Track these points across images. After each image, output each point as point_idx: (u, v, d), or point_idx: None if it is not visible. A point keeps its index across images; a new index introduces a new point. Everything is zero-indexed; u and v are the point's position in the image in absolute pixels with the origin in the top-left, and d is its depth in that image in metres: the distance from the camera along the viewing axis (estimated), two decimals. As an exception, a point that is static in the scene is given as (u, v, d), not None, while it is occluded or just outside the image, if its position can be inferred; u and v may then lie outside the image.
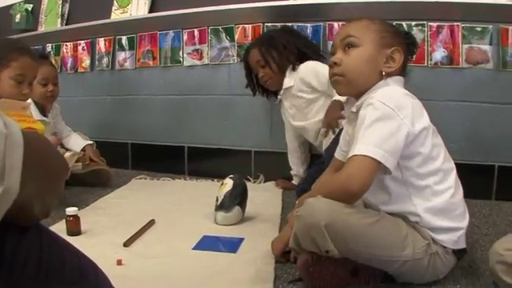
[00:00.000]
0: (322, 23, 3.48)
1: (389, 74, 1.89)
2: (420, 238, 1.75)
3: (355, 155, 1.70)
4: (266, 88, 3.48)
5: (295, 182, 3.57)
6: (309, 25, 3.51)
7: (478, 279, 1.83)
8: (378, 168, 1.69)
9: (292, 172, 3.59)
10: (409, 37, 2.02)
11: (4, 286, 0.85)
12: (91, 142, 3.73)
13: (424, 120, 1.79)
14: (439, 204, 1.77)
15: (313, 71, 3.17)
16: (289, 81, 3.29)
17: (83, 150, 3.60)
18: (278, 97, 3.43)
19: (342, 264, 1.75)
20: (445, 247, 1.77)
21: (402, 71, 1.96)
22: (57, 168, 0.93)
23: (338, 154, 2.18)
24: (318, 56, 3.31)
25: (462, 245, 1.84)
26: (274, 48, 3.28)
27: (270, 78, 3.32)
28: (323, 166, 2.47)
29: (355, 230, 1.68)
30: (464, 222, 1.84)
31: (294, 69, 3.28)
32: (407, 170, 1.77)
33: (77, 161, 3.33)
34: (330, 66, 1.97)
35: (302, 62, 3.26)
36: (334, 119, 2.88)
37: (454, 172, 1.86)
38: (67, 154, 3.19)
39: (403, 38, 1.98)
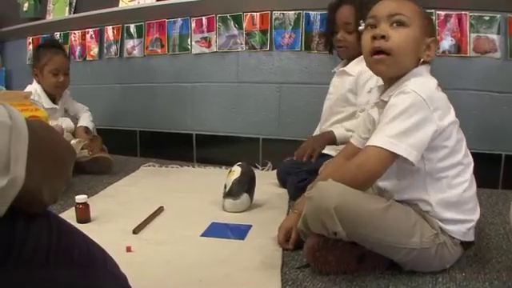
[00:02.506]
0: (331, 12, 3.44)
1: (426, 63, 1.86)
2: (428, 227, 1.75)
3: (373, 146, 1.70)
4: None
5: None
6: (318, 13, 3.49)
7: (483, 268, 1.84)
8: (393, 161, 1.70)
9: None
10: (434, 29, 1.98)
11: (15, 271, 0.87)
12: (85, 125, 3.73)
13: (451, 114, 1.78)
14: (453, 197, 1.77)
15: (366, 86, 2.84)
16: (354, 68, 2.99)
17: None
18: (334, 69, 3.19)
19: (348, 250, 1.76)
20: (453, 238, 1.77)
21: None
22: (63, 154, 0.96)
23: (354, 140, 2.17)
24: None
25: (471, 237, 1.84)
26: None
27: (347, 47, 3.01)
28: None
29: (364, 213, 1.69)
30: (474, 216, 1.84)
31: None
32: (429, 162, 1.76)
33: (82, 148, 3.35)
34: (374, 38, 1.83)
35: None
36: (316, 148, 2.79)
37: (472, 166, 1.85)
38: (73, 142, 3.20)
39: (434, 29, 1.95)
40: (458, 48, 3.13)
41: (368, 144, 1.74)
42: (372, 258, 1.78)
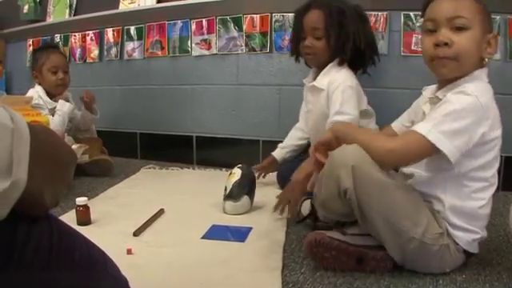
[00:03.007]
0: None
1: (488, 61, 1.83)
2: (436, 225, 1.75)
3: (419, 133, 1.69)
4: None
5: (276, 155, 3.24)
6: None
7: (483, 269, 1.84)
8: (431, 154, 1.71)
9: (281, 145, 3.29)
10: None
11: (17, 273, 0.87)
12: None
13: (499, 129, 1.78)
14: (468, 208, 1.77)
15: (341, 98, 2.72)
16: (323, 81, 2.85)
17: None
18: (304, 80, 3.08)
19: (345, 251, 1.78)
20: (457, 244, 1.77)
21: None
22: (64, 157, 0.97)
23: (395, 125, 2.18)
24: (372, 60, 2.96)
25: (475, 249, 1.83)
26: (341, 27, 2.76)
27: (315, 54, 2.85)
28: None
29: (378, 181, 1.71)
30: (482, 232, 1.82)
31: (340, 63, 2.83)
32: (462, 167, 1.75)
33: (83, 153, 3.34)
34: (437, 45, 1.79)
35: (352, 61, 2.87)
36: (297, 196, 2.45)
37: (494, 188, 1.84)
38: (74, 146, 3.21)
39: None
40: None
41: (414, 129, 1.73)
42: (371, 260, 1.79)
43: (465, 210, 1.76)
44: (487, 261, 1.89)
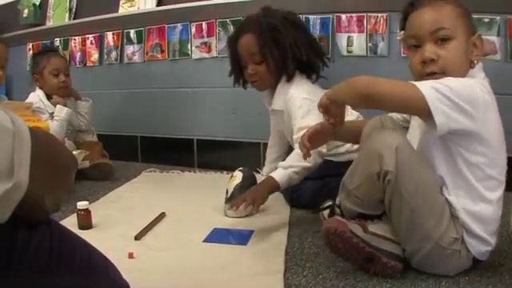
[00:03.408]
0: (330, 15, 3.44)
1: (477, 63, 1.83)
2: (454, 229, 1.74)
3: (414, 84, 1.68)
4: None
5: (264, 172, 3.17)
6: (318, 17, 3.48)
7: (486, 270, 1.83)
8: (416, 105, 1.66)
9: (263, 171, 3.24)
10: None
11: (17, 277, 0.88)
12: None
13: (494, 122, 1.78)
14: (479, 210, 1.75)
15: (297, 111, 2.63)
16: (279, 102, 2.79)
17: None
18: (265, 103, 3.02)
19: (357, 248, 1.77)
20: (469, 251, 1.77)
21: None
22: (65, 162, 0.97)
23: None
24: (322, 64, 2.87)
25: (484, 257, 1.82)
26: (277, 43, 2.66)
27: (261, 79, 2.76)
28: (323, 182, 2.48)
29: (419, 170, 1.74)
30: (493, 239, 1.80)
31: (288, 79, 2.73)
32: (466, 160, 1.75)
33: (84, 158, 3.35)
34: (424, 62, 1.80)
35: (302, 70, 2.79)
36: (261, 197, 2.42)
37: (503, 187, 1.83)
38: (74, 152, 3.21)
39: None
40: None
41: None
42: (380, 264, 1.78)
43: (477, 211, 1.75)
44: (489, 262, 1.87)
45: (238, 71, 2.90)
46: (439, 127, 1.62)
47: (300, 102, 2.60)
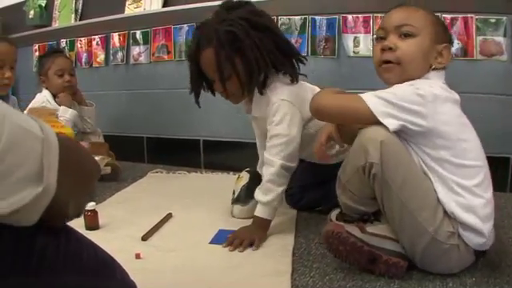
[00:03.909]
0: (336, 16, 3.44)
1: (438, 70, 1.89)
2: (449, 223, 1.76)
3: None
4: None
5: None
6: (324, 18, 3.48)
7: (493, 272, 1.83)
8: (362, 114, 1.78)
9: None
10: (450, 35, 2.03)
11: (23, 276, 0.88)
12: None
13: (448, 114, 1.80)
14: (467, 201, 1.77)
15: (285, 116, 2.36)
16: (258, 110, 2.55)
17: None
18: (245, 112, 2.81)
19: (358, 250, 1.78)
20: (467, 245, 1.77)
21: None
22: (89, 169, 0.99)
23: None
24: (296, 63, 2.53)
25: (484, 248, 1.83)
26: (240, 54, 2.33)
27: (233, 95, 2.50)
28: (328, 188, 2.45)
29: (407, 162, 1.78)
30: (488, 227, 1.80)
31: (261, 91, 2.44)
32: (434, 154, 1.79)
33: (106, 164, 3.42)
34: (383, 50, 1.91)
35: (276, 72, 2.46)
36: (259, 238, 2.23)
37: (484, 171, 1.85)
38: (96, 158, 3.22)
39: (449, 34, 2.00)
40: (465, 51, 3.10)
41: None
42: (383, 263, 1.78)
43: (461, 201, 1.76)
44: (496, 263, 1.88)
45: (200, 87, 2.57)
46: (391, 127, 1.73)
47: (276, 107, 2.37)
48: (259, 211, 2.30)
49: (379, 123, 1.75)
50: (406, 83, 1.80)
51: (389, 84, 1.93)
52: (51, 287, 0.93)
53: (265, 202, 2.28)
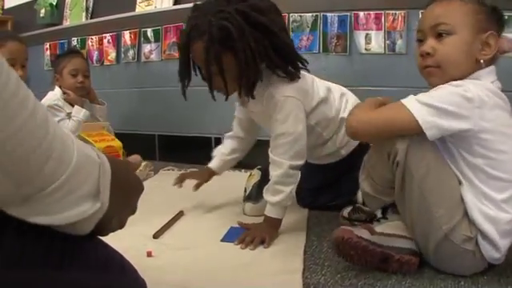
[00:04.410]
0: (348, 13, 3.43)
1: (486, 62, 1.80)
2: (467, 227, 1.73)
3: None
4: None
5: (213, 165, 2.86)
6: (336, 15, 3.47)
7: (504, 270, 1.81)
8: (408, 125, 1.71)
9: (215, 152, 2.92)
10: (496, 13, 1.85)
11: (29, 272, 0.89)
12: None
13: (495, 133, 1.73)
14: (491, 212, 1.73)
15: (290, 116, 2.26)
16: (255, 104, 2.42)
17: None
18: (239, 104, 2.76)
19: (370, 252, 1.76)
20: (483, 255, 1.74)
21: (495, 59, 1.86)
22: (134, 189, 1.11)
23: None
24: (296, 66, 2.34)
25: (500, 261, 1.80)
26: (232, 52, 2.16)
27: (224, 88, 2.31)
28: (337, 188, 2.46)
29: (432, 155, 1.74)
30: (505, 244, 1.76)
31: (252, 95, 2.31)
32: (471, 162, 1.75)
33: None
34: (421, 56, 1.84)
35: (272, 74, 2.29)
36: (270, 236, 2.20)
37: None
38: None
39: (497, 17, 1.85)
40: (477, 48, 3.07)
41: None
42: (395, 262, 1.77)
43: (486, 212, 1.71)
44: (509, 262, 1.86)
45: (187, 77, 2.49)
46: (432, 138, 1.69)
47: (280, 105, 2.26)
48: (269, 211, 2.28)
49: None
50: (453, 83, 1.74)
51: (434, 86, 1.85)
52: (57, 283, 0.93)
53: (274, 202, 2.25)
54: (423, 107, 1.68)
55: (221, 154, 2.86)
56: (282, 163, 2.23)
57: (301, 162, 2.28)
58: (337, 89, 2.59)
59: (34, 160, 0.78)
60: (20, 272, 0.87)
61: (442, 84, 1.78)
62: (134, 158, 1.18)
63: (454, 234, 1.71)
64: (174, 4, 4.04)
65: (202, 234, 2.30)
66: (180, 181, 2.79)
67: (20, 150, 0.75)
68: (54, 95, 3.62)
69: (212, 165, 2.86)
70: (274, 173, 2.27)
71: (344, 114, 2.42)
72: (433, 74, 1.83)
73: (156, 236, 2.24)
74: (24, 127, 0.75)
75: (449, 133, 1.70)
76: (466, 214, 1.74)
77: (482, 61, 1.79)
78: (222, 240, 2.23)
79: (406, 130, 1.73)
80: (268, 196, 2.27)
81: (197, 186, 2.75)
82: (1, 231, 0.85)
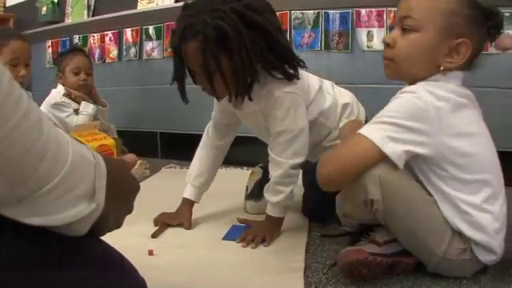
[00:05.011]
0: (350, 10, 3.43)
1: (449, 70, 1.71)
2: (459, 240, 1.70)
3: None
4: None
5: (192, 196, 2.59)
6: (338, 12, 3.47)
7: (507, 269, 1.80)
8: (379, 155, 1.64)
9: (192, 181, 2.66)
10: (492, 17, 1.70)
11: (27, 272, 0.89)
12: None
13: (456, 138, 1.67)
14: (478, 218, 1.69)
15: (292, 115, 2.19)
16: (250, 106, 2.29)
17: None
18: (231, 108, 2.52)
19: (381, 264, 1.72)
20: (479, 260, 1.72)
21: (468, 66, 1.76)
22: (130, 189, 1.11)
23: None
24: (294, 66, 2.22)
25: (498, 260, 1.76)
26: (228, 53, 2.06)
27: (216, 92, 2.25)
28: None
29: (407, 194, 1.68)
30: (498, 244, 1.73)
31: (249, 97, 2.20)
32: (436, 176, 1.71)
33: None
34: (384, 45, 1.79)
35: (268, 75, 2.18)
36: (271, 235, 2.20)
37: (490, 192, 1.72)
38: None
39: (482, 21, 1.70)
40: (479, 45, 3.06)
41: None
42: (403, 264, 1.76)
43: (468, 219, 1.68)
44: (511, 260, 1.85)
45: (183, 79, 2.37)
46: (397, 160, 1.64)
47: (280, 101, 2.19)
48: (270, 210, 2.25)
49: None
50: (408, 91, 1.68)
51: (388, 78, 1.85)
52: (56, 284, 0.93)
53: (274, 202, 2.22)
54: (376, 127, 1.66)
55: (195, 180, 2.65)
56: (282, 163, 2.19)
57: (301, 161, 2.22)
58: (326, 82, 2.48)
59: (28, 160, 0.79)
60: (19, 273, 0.87)
61: (396, 79, 1.81)
62: (129, 157, 1.20)
63: (449, 252, 1.68)
64: (176, 1, 4.03)
65: (204, 233, 2.30)
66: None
67: (13, 151, 0.76)
68: (58, 93, 3.62)
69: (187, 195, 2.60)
70: (274, 173, 2.23)
71: (343, 101, 2.40)
72: (386, 66, 1.80)
73: (154, 235, 2.25)
74: (17, 128, 0.75)
75: (411, 149, 1.64)
76: (452, 229, 1.70)
77: (441, 68, 1.71)
78: (224, 238, 2.22)
79: (374, 161, 1.66)
80: (268, 196, 2.24)
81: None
82: None
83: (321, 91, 2.36)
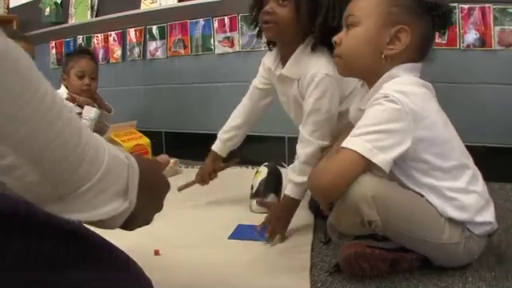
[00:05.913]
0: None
1: (392, 57, 1.73)
2: (455, 227, 1.72)
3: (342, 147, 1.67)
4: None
5: (218, 149, 2.90)
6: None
7: (511, 264, 1.81)
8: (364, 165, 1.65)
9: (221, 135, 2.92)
10: (436, 8, 1.74)
11: (34, 273, 0.88)
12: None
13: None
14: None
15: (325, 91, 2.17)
16: (292, 68, 2.27)
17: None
18: (269, 66, 2.51)
19: (381, 256, 1.74)
20: (476, 234, 1.74)
21: (419, 55, 1.79)
22: (161, 188, 1.20)
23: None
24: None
25: (495, 227, 1.80)
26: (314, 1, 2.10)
27: (276, 23, 2.15)
28: None
29: (400, 203, 1.68)
30: (491, 215, 1.77)
31: (313, 46, 2.19)
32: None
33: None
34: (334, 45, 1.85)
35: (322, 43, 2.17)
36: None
37: (470, 173, 1.76)
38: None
39: (425, 11, 1.74)
40: (483, 41, 3.07)
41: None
42: (404, 262, 1.76)
43: (459, 205, 1.70)
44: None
45: (257, 10, 2.32)
46: (386, 168, 1.64)
47: (318, 80, 2.16)
48: (291, 190, 2.21)
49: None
50: (380, 97, 1.67)
51: (342, 76, 1.97)
52: (62, 284, 0.93)
53: (300, 182, 2.16)
54: (360, 139, 1.64)
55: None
56: (313, 143, 2.18)
57: (327, 144, 2.19)
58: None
59: (69, 164, 0.87)
60: (25, 273, 0.87)
61: (348, 75, 1.90)
62: (162, 157, 1.30)
63: (453, 237, 1.70)
64: (179, 1, 4.03)
65: (210, 232, 2.30)
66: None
67: (57, 155, 0.85)
68: (61, 94, 3.57)
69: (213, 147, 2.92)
70: (303, 151, 2.21)
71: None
72: (337, 64, 1.87)
73: (180, 188, 2.56)
74: (60, 134, 0.83)
75: (399, 154, 1.64)
76: (448, 221, 1.72)
77: (383, 55, 1.74)
78: (230, 237, 2.23)
79: (360, 170, 1.66)
80: (293, 176, 2.19)
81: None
82: (6, 233, 0.85)
83: (351, 94, 2.31)
